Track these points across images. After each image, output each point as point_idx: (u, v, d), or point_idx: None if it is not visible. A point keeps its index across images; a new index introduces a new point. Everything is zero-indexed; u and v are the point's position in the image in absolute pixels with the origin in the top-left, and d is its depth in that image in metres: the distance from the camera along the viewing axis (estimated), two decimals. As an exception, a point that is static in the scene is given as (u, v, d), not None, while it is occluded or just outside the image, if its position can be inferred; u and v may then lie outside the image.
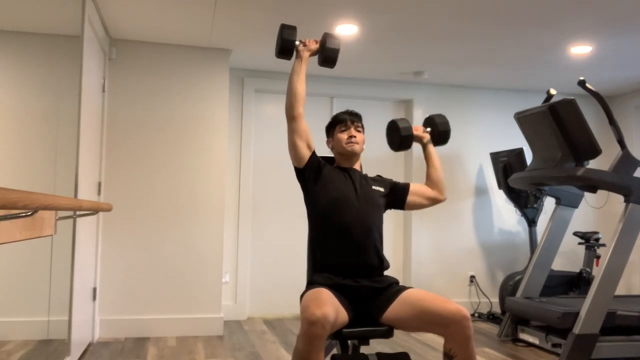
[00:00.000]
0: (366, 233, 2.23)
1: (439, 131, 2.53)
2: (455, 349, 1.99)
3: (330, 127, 2.43)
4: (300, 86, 2.28)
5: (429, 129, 2.55)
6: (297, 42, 2.36)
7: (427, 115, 2.61)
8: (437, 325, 2.01)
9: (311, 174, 2.30)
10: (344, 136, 2.36)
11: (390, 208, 2.44)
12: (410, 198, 2.43)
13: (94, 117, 3.70)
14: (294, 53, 2.37)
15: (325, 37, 2.37)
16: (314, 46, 2.38)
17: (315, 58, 2.43)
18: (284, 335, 4.17)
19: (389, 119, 5.32)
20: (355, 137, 2.35)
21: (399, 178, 5.25)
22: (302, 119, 2.28)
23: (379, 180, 2.42)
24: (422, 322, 2.05)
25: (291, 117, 2.28)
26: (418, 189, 2.47)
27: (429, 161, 2.50)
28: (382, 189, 2.37)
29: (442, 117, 2.55)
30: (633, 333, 3.58)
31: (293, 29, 2.35)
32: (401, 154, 5.29)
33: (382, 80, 5.16)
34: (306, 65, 2.34)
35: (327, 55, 2.37)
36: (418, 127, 2.54)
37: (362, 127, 2.42)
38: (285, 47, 2.34)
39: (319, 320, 1.83)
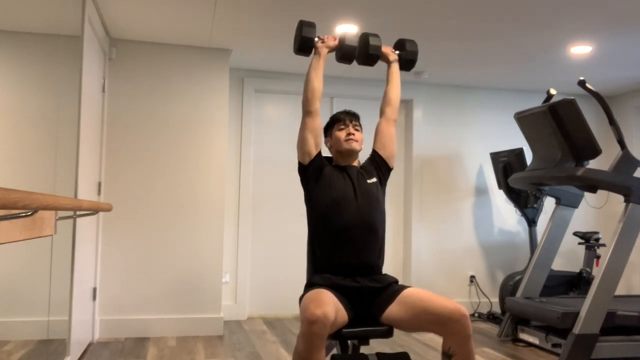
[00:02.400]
0: (368, 231, 2.24)
1: (408, 53, 2.55)
2: (454, 347, 1.99)
3: (328, 127, 2.45)
4: (318, 83, 2.32)
5: (397, 52, 2.56)
6: (315, 39, 2.38)
7: (400, 38, 2.61)
8: (436, 324, 2.01)
9: (314, 172, 2.31)
10: (342, 134, 2.37)
11: (387, 179, 2.44)
12: (383, 152, 2.43)
13: (94, 117, 3.70)
14: (313, 49, 2.39)
15: (344, 35, 2.41)
16: (333, 43, 2.41)
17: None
18: (284, 335, 4.17)
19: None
20: (353, 134, 2.37)
21: (399, 178, 5.25)
22: (317, 115, 2.31)
23: (367, 170, 2.41)
24: (422, 322, 2.05)
25: (307, 112, 2.31)
26: (380, 140, 2.46)
27: (391, 80, 2.52)
28: (374, 179, 2.37)
29: (412, 43, 2.56)
30: (633, 333, 3.58)
31: (312, 25, 2.38)
32: (401, 154, 5.29)
33: (382, 80, 5.11)
34: (324, 61, 2.37)
35: (346, 52, 2.41)
36: (387, 47, 2.55)
37: (361, 126, 2.43)
38: (305, 44, 2.37)
39: (319, 320, 1.83)
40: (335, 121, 2.41)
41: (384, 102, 2.50)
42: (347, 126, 2.38)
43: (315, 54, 2.38)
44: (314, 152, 2.31)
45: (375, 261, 2.25)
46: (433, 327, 2.03)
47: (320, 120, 2.34)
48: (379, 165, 2.43)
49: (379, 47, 2.46)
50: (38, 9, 3.35)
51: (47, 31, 3.46)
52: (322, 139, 2.37)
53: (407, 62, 2.56)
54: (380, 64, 2.61)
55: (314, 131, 2.30)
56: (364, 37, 2.47)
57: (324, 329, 1.85)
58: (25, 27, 3.41)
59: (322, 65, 2.35)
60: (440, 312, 1.99)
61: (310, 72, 2.33)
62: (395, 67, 2.54)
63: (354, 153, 2.39)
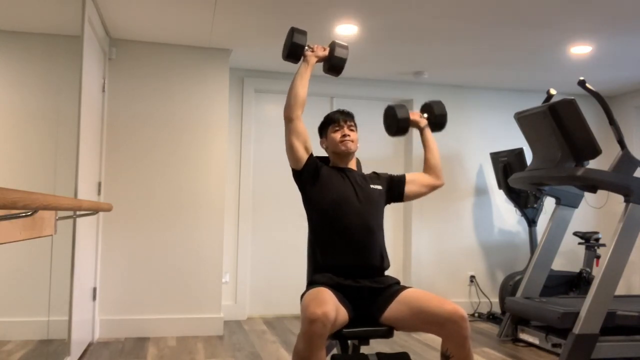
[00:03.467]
0: (367, 233, 2.23)
1: (436, 117, 2.54)
2: (452, 349, 1.99)
3: (322, 128, 2.44)
4: (303, 90, 2.29)
5: (426, 115, 2.56)
6: (305, 47, 2.36)
7: (425, 102, 2.63)
8: (434, 325, 2.01)
9: (309, 175, 2.30)
10: (337, 135, 2.35)
11: (390, 202, 2.44)
12: (408, 188, 2.44)
13: (94, 117, 3.70)
14: (301, 57, 2.37)
15: (334, 45, 2.38)
16: (322, 53, 2.38)
17: (320, 64, 2.44)
18: (284, 335, 4.17)
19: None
20: (349, 135, 2.35)
21: (399, 178, 5.25)
22: (299, 120, 2.29)
23: (375, 177, 2.42)
24: (420, 322, 2.05)
25: (289, 118, 2.28)
26: (415, 177, 2.48)
27: (427, 146, 2.51)
28: (380, 187, 2.37)
29: (439, 104, 2.57)
30: (633, 333, 3.58)
31: (303, 33, 2.36)
32: (401, 153, 5.29)
33: (382, 80, 5.16)
34: (312, 70, 2.35)
35: (334, 63, 2.37)
36: (415, 113, 2.55)
37: (355, 125, 2.42)
38: (294, 52, 2.35)
39: (319, 319, 1.83)
40: (330, 122, 2.39)
41: (427, 168, 2.50)
42: (342, 127, 2.36)
43: (303, 61, 2.36)
44: (305, 156, 2.29)
45: (377, 263, 2.25)
46: (431, 328, 2.03)
47: (304, 124, 2.31)
48: (394, 188, 2.43)
49: (408, 119, 2.47)
50: (38, 9, 3.35)
51: (47, 31, 3.46)
52: (311, 141, 2.34)
53: (437, 125, 2.56)
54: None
55: (300, 136, 2.28)
56: (391, 111, 2.48)
57: (324, 329, 1.84)
58: (25, 27, 3.41)
59: (309, 74, 2.32)
60: (438, 314, 1.99)
61: (296, 79, 2.30)
62: (429, 132, 2.53)
63: (350, 154, 2.38)
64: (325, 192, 2.27)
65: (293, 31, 2.35)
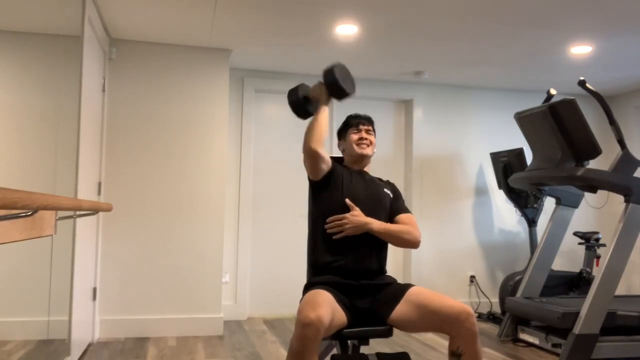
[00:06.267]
0: (372, 235, 2.24)
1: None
2: (463, 346, 2.01)
3: (342, 131, 2.46)
4: (326, 127, 2.25)
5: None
6: (310, 96, 2.32)
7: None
8: (444, 325, 2.03)
9: (325, 183, 2.30)
10: (354, 137, 2.38)
11: None
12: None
13: (94, 117, 3.70)
14: (312, 104, 2.33)
15: (323, 76, 2.28)
16: (323, 93, 2.28)
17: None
18: (284, 335, 4.17)
19: (389, 119, 5.34)
20: (366, 139, 2.37)
21: (399, 178, 5.25)
22: (323, 150, 2.22)
23: (387, 183, 2.44)
24: (429, 323, 2.07)
25: (314, 154, 2.19)
26: (402, 221, 2.36)
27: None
28: (389, 192, 2.40)
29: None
30: (633, 333, 3.58)
31: (299, 87, 2.33)
32: (400, 155, 5.29)
33: (382, 80, 5.16)
34: (328, 106, 2.28)
35: (332, 90, 2.27)
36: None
37: (374, 131, 2.44)
38: (305, 106, 2.33)
39: (312, 323, 1.83)
40: (349, 125, 2.41)
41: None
42: (360, 131, 2.38)
43: (320, 106, 2.26)
44: (326, 170, 2.27)
45: (377, 266, 2.26)
46: (440, 328, 2.06)
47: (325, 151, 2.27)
48: (398, 197, 2.42)
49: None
50: (38, 9, 3.35)
51: (47, 31, 3.46)
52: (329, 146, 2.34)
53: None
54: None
55: (324, 162, 2.24)
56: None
57: (317, 333, 1.84)
58: (25, 27, 3.41)
59: (327, 112, 2.26)
60: (447, 313, 2.01)
61: (319, 119, 2.20)
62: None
63: (365, 157, 2.39)
64: (336, 193, 2.28)
65: (290, 94, 2.32)
